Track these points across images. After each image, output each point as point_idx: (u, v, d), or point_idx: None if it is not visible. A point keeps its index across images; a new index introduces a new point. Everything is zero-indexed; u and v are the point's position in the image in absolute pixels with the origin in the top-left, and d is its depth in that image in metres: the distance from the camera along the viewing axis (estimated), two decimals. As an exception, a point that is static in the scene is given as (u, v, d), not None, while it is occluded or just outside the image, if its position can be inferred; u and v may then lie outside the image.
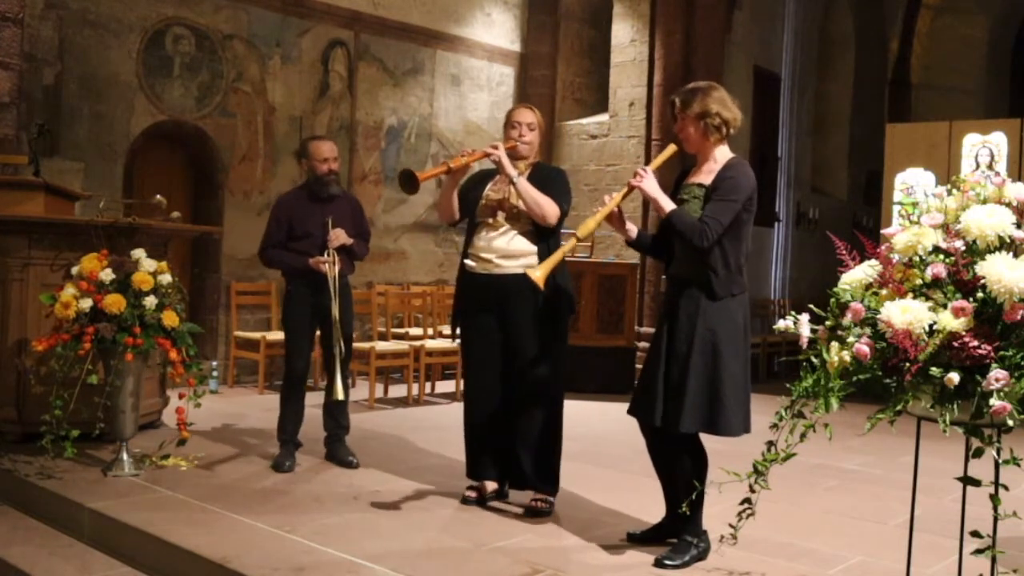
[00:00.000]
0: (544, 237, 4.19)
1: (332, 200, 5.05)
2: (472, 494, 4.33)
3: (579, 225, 3.66)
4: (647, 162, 9.70)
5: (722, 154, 3.56)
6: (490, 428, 4.29)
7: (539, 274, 3.61)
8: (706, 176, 3.54)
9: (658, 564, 3.45)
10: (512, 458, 4.25)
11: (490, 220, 4.19)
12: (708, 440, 3.57)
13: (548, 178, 4.23)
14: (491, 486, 4.35)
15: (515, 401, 4.21)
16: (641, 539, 3.72)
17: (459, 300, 4.37)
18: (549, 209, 4.10)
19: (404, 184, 4.07)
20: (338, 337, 4.76)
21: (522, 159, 4.27)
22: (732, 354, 3.42)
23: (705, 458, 3.57)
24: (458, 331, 4.42)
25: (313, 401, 5.26)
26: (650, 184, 3.50)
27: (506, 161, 4.13)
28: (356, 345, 5.84)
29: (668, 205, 3.47)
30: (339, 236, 4.93)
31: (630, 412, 3.66)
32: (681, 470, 3.52)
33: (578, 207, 8.72)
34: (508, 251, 4.16)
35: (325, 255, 4.88)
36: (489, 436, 4.30)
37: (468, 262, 4.27)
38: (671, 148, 3.67)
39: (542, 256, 4.12)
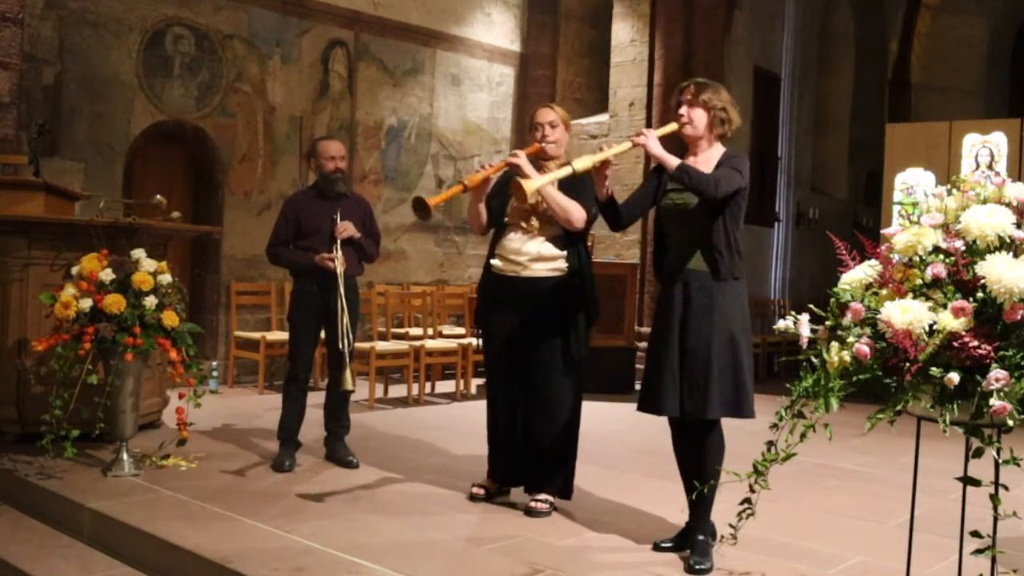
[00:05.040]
0: (573, 241, 4.18)
1: (340, 199, 5.07)
2: (479, 491, 4.35)
3: (577, 158, 3.67)
4: (647, 162, 9.70)
5: (719, 148, 3.67)
6: (513, 430, 4.29)
7: (531, 184, 3.64)
8: (705, 165, 3.60)
9: (690, 570, 3.43)
10: (530, 462, 4.25)
11: (523, 224, 4.18)
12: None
13: (578, 182, 4.07)
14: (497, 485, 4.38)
15: (535, 404, 4.20)
16: (669, 548, 3.65)
17: (484, 301, 4.36)
18: (575, 213, 4.07)
19: (417, 211, 3.97)
20: (347, 329, 4.75)
21: (551, 159, 4.26)
22: (744, 340, 3.53)
23: (724, 450, 3.57)
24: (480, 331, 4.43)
25: (314, 400, 5.26)
26: (654, 143, 3.54)
27: (528, 169, 4.08)
28: (356, 345, 5.84)
29: (674, 160, 3.52)
30: (347, 228, 4.94)
31: (643, 408, 3.64)
32: (708, 461, 3.52)
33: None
34: (538, 254, 4.15)
35: (332, 249, 4.89)
36: (512, 438, 4.30)
37: (495, 263, 4.25)
38: (672, 125, 3.71)
39: (572, 263, 4.15)
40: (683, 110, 3.64)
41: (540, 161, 4.26)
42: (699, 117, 3.61)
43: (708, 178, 3.46)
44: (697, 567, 3.42)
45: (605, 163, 3.62)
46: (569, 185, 4.07)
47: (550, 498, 4.19)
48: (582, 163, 3.60)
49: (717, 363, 3.45)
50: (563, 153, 4.31)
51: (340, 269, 4.83)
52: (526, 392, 4.23)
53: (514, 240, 4.19)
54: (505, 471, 4.34)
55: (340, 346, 4.77)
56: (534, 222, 4.16)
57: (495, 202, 4.28)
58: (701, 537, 3.51)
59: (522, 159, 4.10)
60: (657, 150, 3.53)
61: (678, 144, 3.74)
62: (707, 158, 3.63)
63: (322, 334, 5.11)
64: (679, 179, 3.50)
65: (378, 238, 5.27)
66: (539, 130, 4.26)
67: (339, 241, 4.90)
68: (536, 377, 4.18)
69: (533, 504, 4.15)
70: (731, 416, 3.49)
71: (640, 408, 3.66)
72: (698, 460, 3.56)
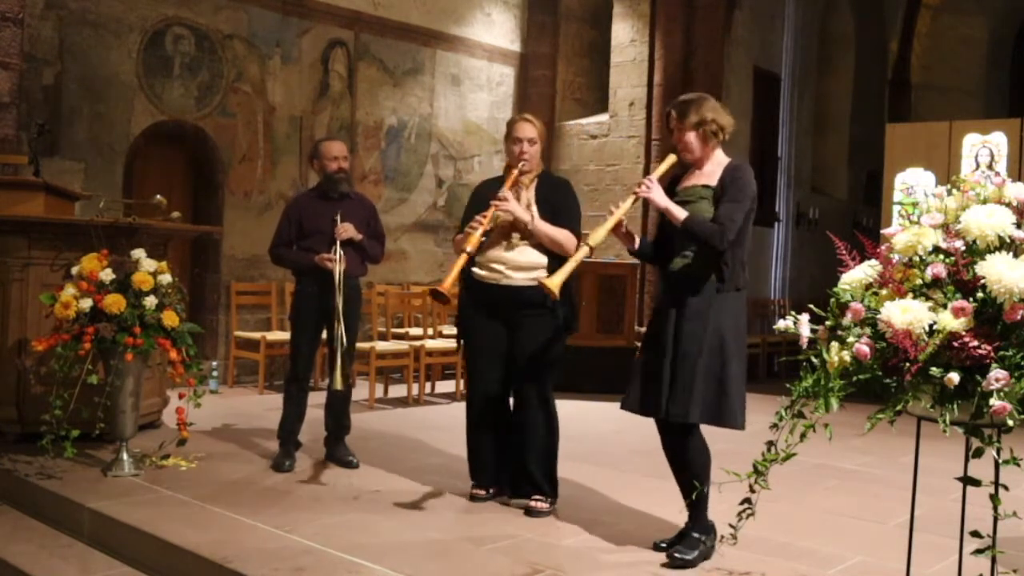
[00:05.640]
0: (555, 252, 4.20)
1: (343, 199, 5.08)
2: (480, 491, 4.37)
3: (590, 233, 3.64)
4: (647, 163, 9.71)
5: (720, 157, 3.65)
6: (493, 434, 4.32)
7: (556, 282, 3.65)
8: (708, 177, 3.61)
9: (670, 559, 3.46)
10: (515, 467, 4.28)
11: (504, 241, 4.19)
12: (708, 441, 3.58)
13: (560, 198, 4.21)
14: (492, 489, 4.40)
15: (517, 410, 4.25)
16: (669, 548, 3.64)
17: (465, 307, 4.37)
18: (568, 243, 4.11)
19: (436, 299, 3.98)
20: (341, 330, 4.76)
21: (524, 174, 4.28)
22: (737, 349, 3.51)
23: (709, 453, 3.58)
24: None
25: (315, 401, 5.27)
26: (658, 194, 3.56)
27: (520, 212, 4.12)
28: (357, 345, 5.85)
29: (681, 213, 3.52)
30: (347, 230, 4.95)
31: (625, 407, 3.65)
32: (691, 463, 3.53)
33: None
34: (520, 263, 4.18)
35: (332, 250, 4.90)
36: (492, 442, 4.33)
37: (477, 271, 4.26)
38: (671, 158, 3.71)
39: (552, 269, 4.15)
40: (674, 139, 3.65)
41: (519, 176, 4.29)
42: (691, 141, 3.60)
43: (714, 232, 3.44)
44: (676, 555, 3.45)
45: (618, 224, 3.61)
46: (548, 197, 4.13)
47: (549, 497, 4.20)
48: (596, 237, 3.54)
49: (703, 368, 3.45)
50: (537, 166, 4.32)
51: (339, 269, 4.84)
52: (507, 397, 4.27)
53: (495, 249, 4.21)
54: (486, 475, 4.38)
55: (334, 346, 4.78)
56: (515, 239, 4.19)
57: (482, 207, 4.25)
58: (695, 535, 3.52)
59: (512, 203, 4.12)
60: (662, 202, 3.54)
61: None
62: (710, 171, 3.62)
63: (324, 334, 5.12)
64: (687, 235, 3.51)
65: (383, 238, 5.28)
66: (518, 145, 4.25)
67: (339, 243, 4.91)
68: (517, 383, 4.23)
69: (533, 504, 4.16)
70: (711, 423, 3.48)
71: (622, 406, 3.66)
72: (681, 463, 3.57)
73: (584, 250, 3.63)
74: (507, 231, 4.19)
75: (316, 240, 4.99)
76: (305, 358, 5.12)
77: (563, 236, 4.13)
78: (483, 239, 4.15)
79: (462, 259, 4.06)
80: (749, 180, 3.56)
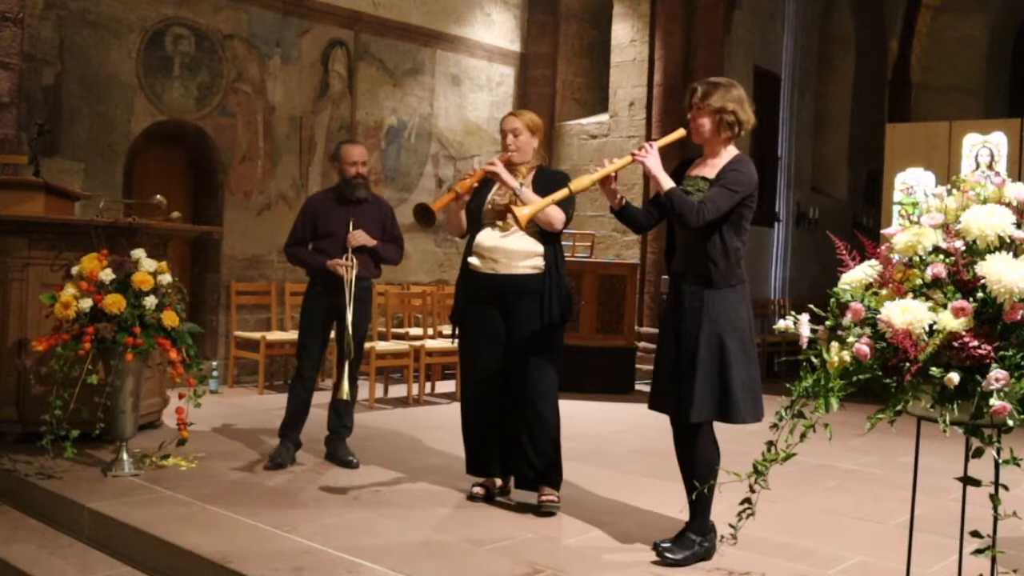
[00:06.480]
0: (550, 239, 4.25)
1: (360, 203, 5.10)
2: (479, 491, 4.36)
3: (575, 178, 3.71)
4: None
5: (728, 152, 3.61)
6: (490, 424, 4.33)
7: (526, 213, 3.67)
8: (710, 170, 3.58)
9: (656, 551, 3.46)
10: (519, 457, 4.27)
11: (499, 223, 4.23)
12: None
13: (552, 183, 4.22)
14: (497, 482, 4.40)
15: (519, 400, 4.23)
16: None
17: (461, 298, 4.39)
18: (554, 216, 4.14)
19: (421, 218, 4.13)
20: (349, 339, 4.79)
21: (517, 166, 4.30)
22: (737, 344, 3.47)
23: (718, 455, 3.56)
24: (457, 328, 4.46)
25: (319, 400, 5.27)
26: (653, 160, 3.52)
27: (505, 176, 4.18)
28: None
29: (668, 183, 3.50)
30: (358, 237, 4.98)
31: (649, 405, 3.70)
32: (696, 463, 3.53)
33: (579, 207, 8.73)
34: (515, 251, 4.20)
35: (344, 257, 4.92)
36: (490, 432, 4.34)
37: (473, 261, 4.29)
38: (679, 132, 3.69)
39: (548, 259, 4.21)
40: (690, 115, 3.61)
41: (507, 167, 4.32)
42: (704, 124, 3.55)
43: (691, 208, 3.42)
44: (666, 554, 3.45)
45: (607, 178, 3.61)
46: (546, 188, 4.12)
47: (557, 494, 4.20)
48: (579, 183, 3.62)
49: (702, 368, 3.44)
50: (531, 158, 4.35)
51: (350, 276, 4.87)
52: (505, 387, 4.26)
53: (491, 238, 4.24)
54: (486, 466, 4.39)
55: (343, 354, 4.81)
56: (511, 220, 4.19)
57: (472, 203, 4.33)
58: (691, 536, 3.52)
59: (499, 168, 4.20)
60: (655, 168, 3.51)
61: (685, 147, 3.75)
62: (714, 164, 3.59)
63: (332, 335, 5.15)
64: (665, 205, 3.50)
65: (401, 241, 5.31)
66: (504, 139, 4.34)
67: (351, 250, 4.94)
68: (517, 372, 4.22)
69: (545, 499, 4.15)
70: (716, 420, 3.48)
71: (648, 406, 3.71)
72: (686, 461, 3.58)
73: (564, 191, 3.67)
74: (501, 213, 4.23)
75: (329, 243, 5.02)
76: (313, 358, 5.14)
77: (552, 210, 4.06)
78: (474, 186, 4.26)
79: (450, 195, 4.20)
80: (747, 172, 3.51)
